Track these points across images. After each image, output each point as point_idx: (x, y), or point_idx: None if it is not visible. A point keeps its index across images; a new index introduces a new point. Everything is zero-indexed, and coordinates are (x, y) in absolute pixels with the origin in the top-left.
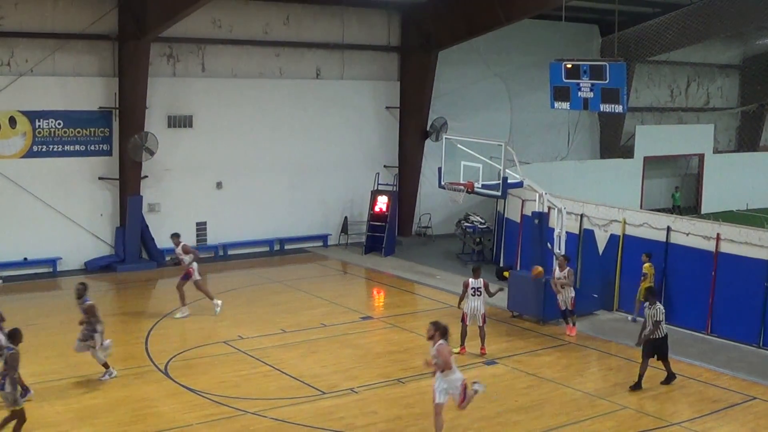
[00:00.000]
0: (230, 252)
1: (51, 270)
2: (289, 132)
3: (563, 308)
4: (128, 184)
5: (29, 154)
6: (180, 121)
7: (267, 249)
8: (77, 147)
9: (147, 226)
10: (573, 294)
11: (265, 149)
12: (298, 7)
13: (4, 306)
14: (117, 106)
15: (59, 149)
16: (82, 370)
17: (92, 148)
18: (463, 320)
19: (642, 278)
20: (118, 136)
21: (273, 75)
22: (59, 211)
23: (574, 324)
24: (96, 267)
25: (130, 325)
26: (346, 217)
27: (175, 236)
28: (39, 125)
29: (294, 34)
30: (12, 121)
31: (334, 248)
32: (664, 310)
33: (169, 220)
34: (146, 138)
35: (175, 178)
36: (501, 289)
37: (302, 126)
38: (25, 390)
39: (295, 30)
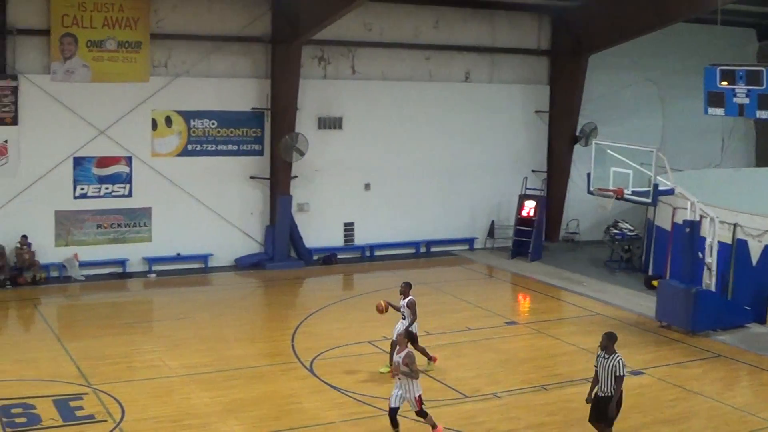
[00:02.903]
0: (377, 253)
1: (203, 266)
2: (437, 135)
3: (393, 405)
4: (278, 183)
5: (184, 152)
6: (330, 123)
7: (413, 251)
8: (230, 146)
9: (296, 226)
10: (419, 392)
11: (414, 152)
12: (448, 10)
13: (158, 299)
14: (269, 107)
15: (213, 148)
16: (231, 364)
17: (244, 147)
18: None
19: None
20: (270, 136)
21: (422, 78)
22: (211, 209)
23: None
24: (246, 264)
25: (278, 322)
26: (492, 221)
27: None
28: (194, 125)
29: (444, 37)
30: (168, 121)
31: (480, 252)
32: (625, 362)
33: (317, 220)
34: (297, 139)
35: (325, 179)
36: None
37: (451, 129)
38: None
39: (445, 33)
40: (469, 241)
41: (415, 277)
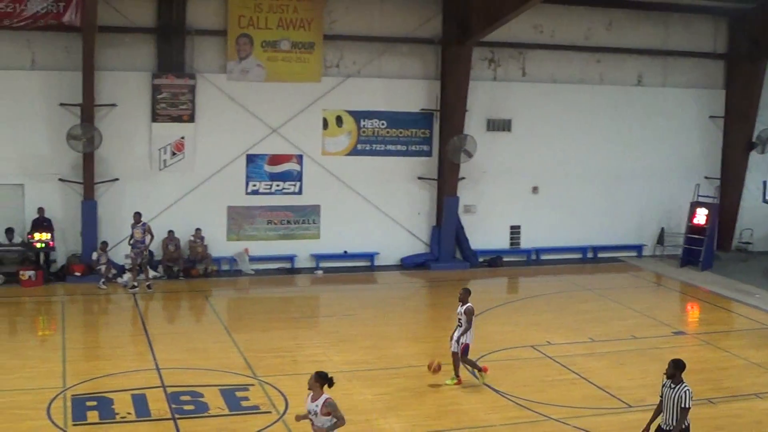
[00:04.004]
0: (542, 257)
1: (369, 264)
2: (606, 139)
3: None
4: (446, 184)
5: (353, 152)
6: (498, 125)
7: (579, 256)
8: (398, 147)
9: (462, 227)
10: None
11: (582, 155)
12: (621, 12)
13: (324, 295)
14: (438, 108)
15: (381, 148)
16: (393, 362)
17: (413, 148)
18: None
19: None
20: (438, 137)
21: (593, 81)
22: (379, 208)
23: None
24: (411, 264)
25: (441, 322)
26: (662, 228)
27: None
28: (363, 125)
29: (616, 39)
30: (339, 120)
31: (648, 259)
32: (692, 393)
33: (484, 222)
34: (465, 140)
35: (492, 181)
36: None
37: (620, 133)
38: None
39: (617, 36)
40: (637, 248)
41: (580, 283)
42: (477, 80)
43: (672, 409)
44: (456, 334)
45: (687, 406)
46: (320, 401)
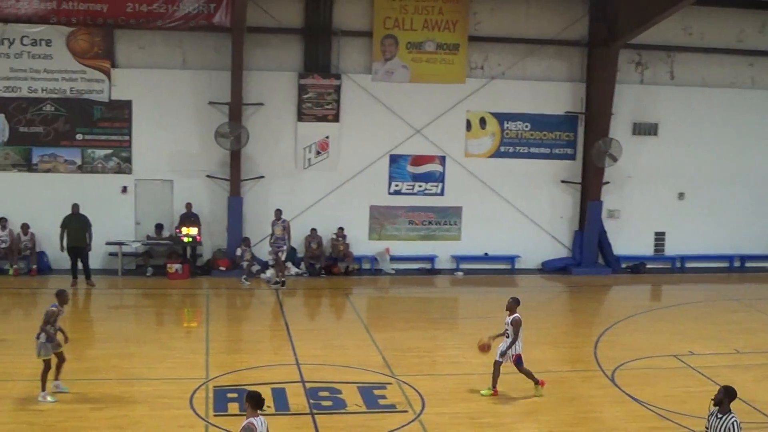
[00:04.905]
0: (687, 264)
1: (509, 267)
2: (758, 144)
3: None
4: (589, 188)
5: (496, 154)
6: (645, 129)
7: (726, 264)
8: (542, 150)
9: (605, 232)
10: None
11: (732, 161)
12: None
13: (463, 297)
14: (583, 111)
15: (525, 151)
16: (531, 368)
17: (556, 151)
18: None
19: None
20: (583, 140)
21: (744, 85)
22: (521, 211)
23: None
24: (552, 268)
25: (581, 328)
26: None
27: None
28: (507, 127)
29: None
30: (482, 122)
31: None
32: (741, 424)
33: (627, 228)
34: (610, 144)
35: (636, 186)
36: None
37: None
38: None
39: None
40: None
41: (727, 292)
42: (623, 83)
43: None
44: (502, 346)
45: None
46: (242, 425)
